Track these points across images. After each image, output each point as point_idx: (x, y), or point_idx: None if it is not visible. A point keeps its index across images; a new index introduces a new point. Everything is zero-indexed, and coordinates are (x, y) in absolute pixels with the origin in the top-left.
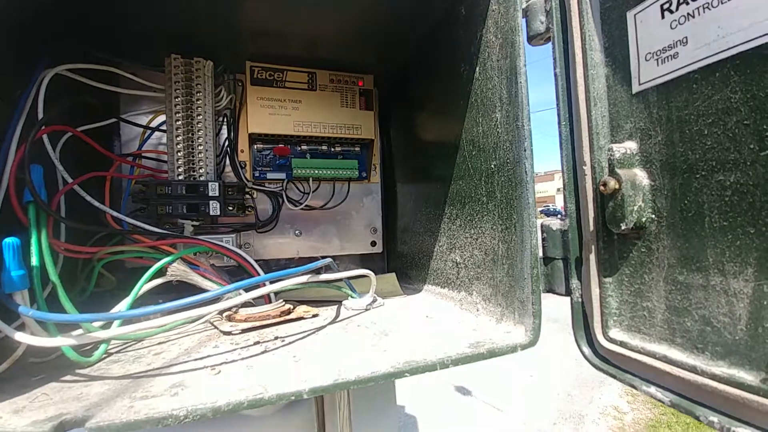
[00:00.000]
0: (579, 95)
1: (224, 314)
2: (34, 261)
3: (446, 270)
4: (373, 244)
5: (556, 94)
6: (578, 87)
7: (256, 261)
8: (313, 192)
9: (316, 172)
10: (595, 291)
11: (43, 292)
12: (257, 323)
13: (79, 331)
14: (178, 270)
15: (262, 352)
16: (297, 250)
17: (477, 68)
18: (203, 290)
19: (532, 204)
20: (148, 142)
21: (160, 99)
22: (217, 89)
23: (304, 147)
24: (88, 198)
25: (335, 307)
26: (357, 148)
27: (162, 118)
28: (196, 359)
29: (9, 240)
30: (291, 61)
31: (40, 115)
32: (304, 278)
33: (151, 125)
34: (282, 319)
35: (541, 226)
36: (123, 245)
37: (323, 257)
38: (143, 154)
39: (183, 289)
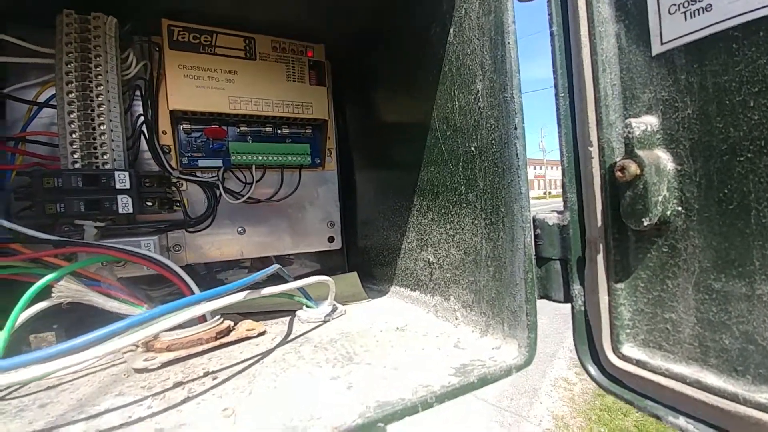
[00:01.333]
0: (583, 59)
1: (140, 341)
2: None
3: (417, 270)
4: (331, 239)
5: (553, 58)
6: (582, 49)
7: (192, 266)
8: (257, 182)
9: (260, 158)
10: (603, 298)
11: None
12: (184, 352)
13: None
14: (66, 289)
15: (183, 401)
16: (241, 250)
17: (451, 29)
18: (108, 312)
19: (525, 194)
20: (41, 122)
21: (52, 67)
22: (125, 54)
23: (243, 128)
24: None
25: (287, 318)
26: (308, 130)
27: (53, 90)
28: (88, 417)
29: None
30: (220, 21)
31: None
32: (242, 295)
33: (39, 100)
34: (218, 342)
35: (534, 220)
36: (3, 258)
37: (273, 257)
38: (28, 137)
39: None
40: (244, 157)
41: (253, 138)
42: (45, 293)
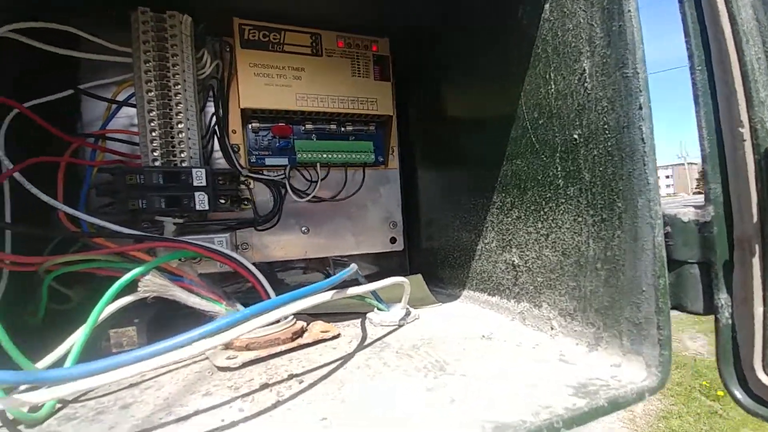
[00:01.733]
0: (722, 28)
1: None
2: None
3: (497, 273)
4: (393, 240)
5: (684, 26)
6: (719, 17)
7: (257, 264)
8: (321, 180)
9: (325, 156)
10: (758, 310)
11: None
12: (263, 352)
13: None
14: (152, 284)
15: (274, 405)
16: (305, 250)
17: (546, 5)
18: (189, 307)
19: (654, 185)
20: (119, 121)
21: (129, 65)
22: (199, 53)
23: (308, 126)
24: (33, 190)
25: (358, 321)
26: (371, 127)
27: (132, 89)
28: (178, 419)
29: None
30: (288, 19)
31: None
32: (328, 295)
33: (117, 99)
34: (295, 344)
35: (664, 216)
36: (83, 252)
37: (339, 258)
38: (108, 135)
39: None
40: (309, 155)
41: (318, 136)
42: (126, 288)
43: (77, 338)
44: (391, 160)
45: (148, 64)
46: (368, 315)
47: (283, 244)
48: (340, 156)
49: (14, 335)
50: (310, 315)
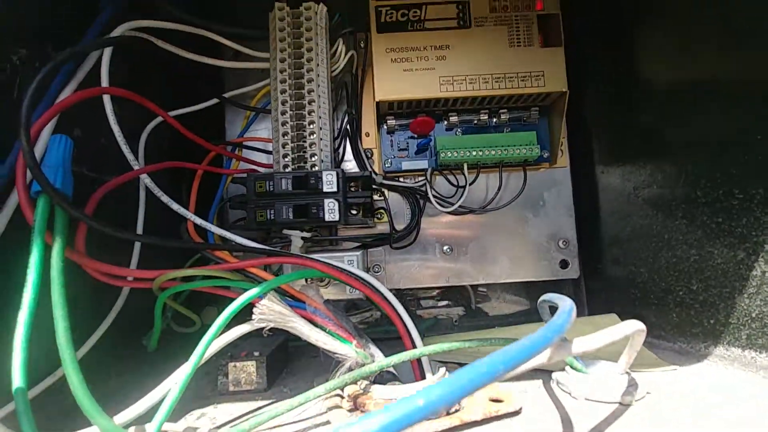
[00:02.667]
0: None
1: (347, 392)
2: (29, 290)
3: None
4: (564, 264)
5: None
6: None
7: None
8: (470, 185)
9: (474, 154)
10: None
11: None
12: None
13: None
14: (268, 311)
15: None
16: (447, 275)
17: None
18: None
19: None
20: (257, 133)
21: (267, 72)
22: (333, 46)
23: (452, 119)
24: (164, 198)
25: (538, 382)
26: (533, 113)
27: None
28: None
29: None
30: None
31: (104, 82)
32: (544, 356)
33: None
34: (457, 420)
35: None
36: (199, 267)
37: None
38: (245, 143)
39: None
40: (454, 154)
41: (464, 130)
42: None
43: (176, 381)
44: (560, 156)
45: (283, 63)
46: (555, 376)
47: (421, 267)
48: (493, 153)
49: (129, 362)
50: (458, 364)
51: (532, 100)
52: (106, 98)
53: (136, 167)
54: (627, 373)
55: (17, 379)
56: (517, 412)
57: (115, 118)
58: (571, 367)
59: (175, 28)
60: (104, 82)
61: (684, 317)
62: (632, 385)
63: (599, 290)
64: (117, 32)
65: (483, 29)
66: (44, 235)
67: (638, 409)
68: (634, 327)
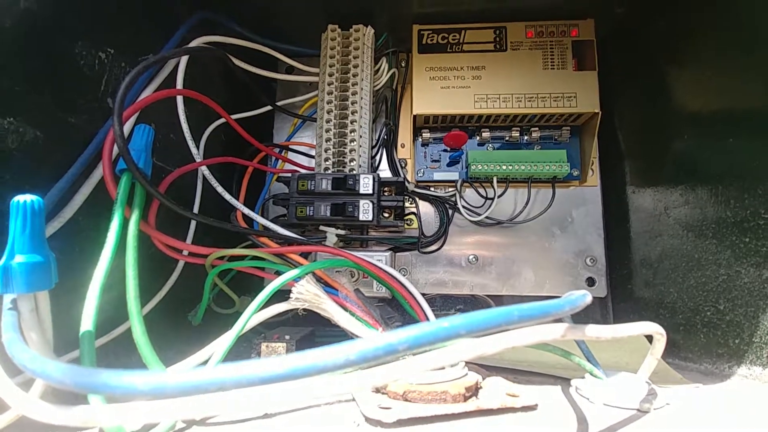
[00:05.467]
0: None
1: None
2: (108, 252)
3: None
4: (590, 282)
5: None
6: None
7: None
8: (498, 197)
9: (504, 168)
10: None
11: (141, 308)
12: (425, 409)
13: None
14: (305, 291)
15: None
16: (471, 285)
17: None
18: (338, 328)
19: None
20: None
21: (314, 86)
22: (378, 64)
23: (485, 134)
24: (219, 189)
25: (556, 388)
26: (565, 132)
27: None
28: None
29: (21, 199)
30: (471, 16)
31: (179, 85)
32: (557, 330)
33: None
34: (472, 407)
35: None
36: (245, 248)
37: (486, 296)
38: (291, 147)
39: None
40: (485, 167)
41: (495, 146)
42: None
43: (221, 345)
44: (590, 175)
45: (331, 77)
46: (575, 383)
47: (447, 274)
48: (522, 168)
49: (173, 335)
50: (482, 366)
51: (563, 120)
52: (179, 99)
53: (198, 159)
54: (647, 383)
55: (87, 323)
56: (532, 407)
57: (185, 116)
58: (591, 374)
59: (239, 44)
60: (179, 84)
61: (711, 338)
62: (651, 394)
63: (627, 311)
64: (194, 43)
65: (519, 52)
66: (124, 208)
67: (656, 417)
68: (653, 328)
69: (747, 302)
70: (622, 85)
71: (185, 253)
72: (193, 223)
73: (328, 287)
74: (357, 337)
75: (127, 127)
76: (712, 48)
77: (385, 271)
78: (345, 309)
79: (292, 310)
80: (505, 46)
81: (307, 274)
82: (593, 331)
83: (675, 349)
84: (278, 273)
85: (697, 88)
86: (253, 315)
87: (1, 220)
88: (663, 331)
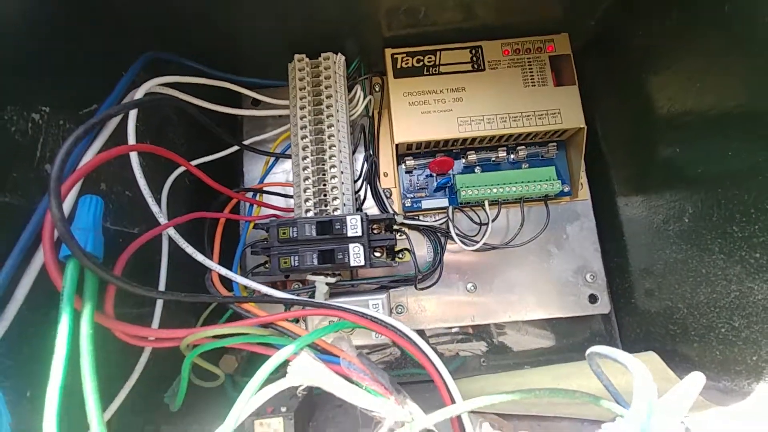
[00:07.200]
0: None
1: None
2: (59, 361)
3: None
4: (593, 299)
5: None
6: None
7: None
8: (492, 221)
9: (494, 191)
10: None
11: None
12: None
13: None
14: (305, 370)
15: None
16: (472, 314)
17: None
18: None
19: None
20: (275, 177)
21: (284, 119)
22: (351, 92)
23: (471, 156)
24: (189, 249)
25: None
26: (551, 148)
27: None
28: None
29: None
30: (444, 37)
31: (131, 140)
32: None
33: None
34: None
35: None
36: (229, 324)
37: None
38: (266, 189)
39: None
40: (475, 192)
41: (483, 167)
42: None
43: None
44: (580, 189)
45: (303, 110)
46: (606, 428)
47: (445, 307)
48: (513, 189)
49: (154, 420)
50: (503, 416)
51: (549, 136)
52: (133, 154)
53: (161, 220)
54: (682, 423)
55: None
56: None
57: (141, 171)
58: (617, 416)
59: (196, 82)
60: (131, 140)
61: (728, 354)
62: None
63: (633, 325)
64: (141, 90)
65: (497, 71)
66: (74, 300)
67: None
68: (702, 380)
69: (763, 319)
70: (603, 96)
71: (152, 338)
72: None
73: (327, 355)
74: (367, 411)
75: (71, 198)
76: (695, 51)
77: (389, 326)
78: (350, 380)
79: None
80: (483, 66)
81: (304, 347)
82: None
83: (690, 366)
84: (271, 344)
85: (678, 93)
86: (249, 401)
87: None
88: (704, 379)
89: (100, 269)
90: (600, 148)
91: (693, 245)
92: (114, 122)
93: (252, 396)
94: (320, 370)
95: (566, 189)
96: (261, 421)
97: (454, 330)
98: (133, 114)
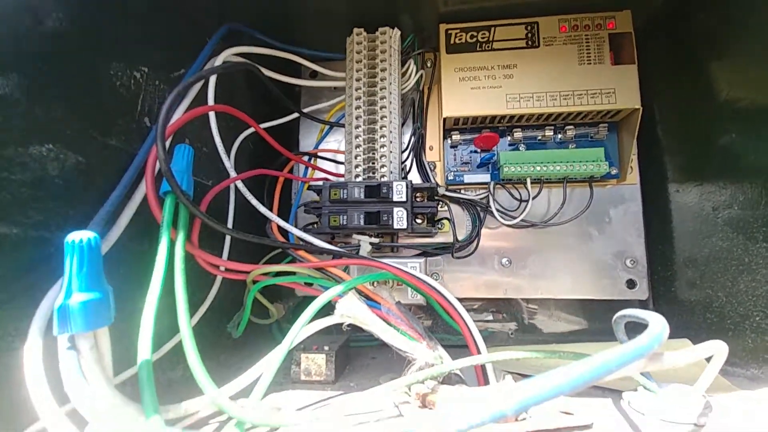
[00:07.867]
0: None
1: (413, 389)
2: (158, 276)
3: None
4: (631, 284)
5: None
6: None
7: None
8: (533, 199)
9: (538, 168)
10: None
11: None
12: None
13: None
14: (350, 307)
15: None
16: (504, 288)
17: None
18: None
19: None
20: (329, 145)
21: (339, 91)
22: (404, 66)
23: (517, 134)
24: (254, 201)
25: (607, 401)
26: (602, 129)
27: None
28: None
29: (77, 238)
30: (501, 12)
31: (210, 101)
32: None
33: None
34: (529, 429)
35: None
36: (288, 264)
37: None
38: (320, 154)
39: None
40: (518, 169)
41: (528, 145)
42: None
43: (270, 365)
44: (629, 173)
45: (359, 82)
46: (626, 396)
47: (479, 278)
48: (558, 168)
49: (214, 347)
50: (521, 375)
51: (601, 117)
52: (212, 114)
53: (232, 173)
54: (703, 396)
55: (145, 351)
56: (588, 426)
57: (218, 130)
58: (645, 387)
59: (264, 53)
60: (210, 100)
61: (759, 343)
62: (708, 408)
63: (671, 314)
64: (220, 58)
65: (552, 48)
66: (170, 230)
67: (697, 428)
68: (718, 347)
69: None
70: (662, 78)
71: (223, 269)
72: (228, 237)
73: (370, 300)
74: (404, 352)
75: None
76: (759, 38)
77: (425, 282)
78: (389, 323)
79: (336, 324)
80: (538, 42)
81: (350, 289)
82: (671, 359)
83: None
84: (311, 285)
85: (744, 81)
86: (299, 331)
87: (49, 248)
88: (726, 349)
89: (193, 206)
90: (654, 131)
91: (740, 233)
92: (197, 85)
93: (304, 326)
94: (364, 310)
95: (614, 171)
96: (307, 355)
97: (484, 307)
98: (212, 78)
